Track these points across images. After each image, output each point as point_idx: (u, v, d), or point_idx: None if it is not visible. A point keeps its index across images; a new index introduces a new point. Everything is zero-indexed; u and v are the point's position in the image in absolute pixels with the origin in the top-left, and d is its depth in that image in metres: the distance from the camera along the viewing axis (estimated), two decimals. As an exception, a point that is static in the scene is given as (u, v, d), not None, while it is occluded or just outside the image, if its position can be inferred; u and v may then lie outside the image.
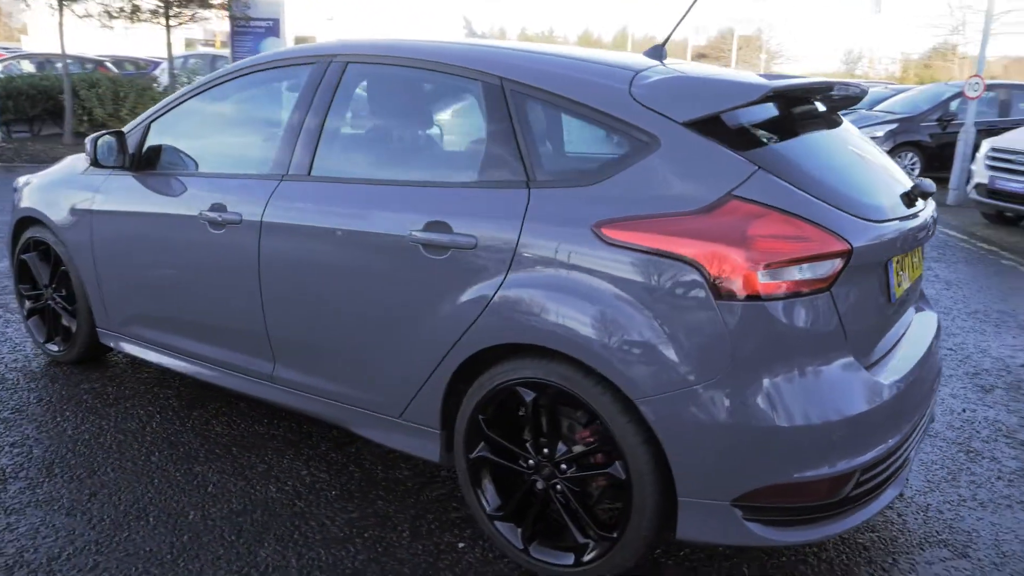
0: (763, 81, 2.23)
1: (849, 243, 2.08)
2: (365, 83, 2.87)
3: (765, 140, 2.26)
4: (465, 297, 2.38)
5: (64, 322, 3.91)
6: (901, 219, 2.34)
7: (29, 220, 3.91)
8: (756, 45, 52.49)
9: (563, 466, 2.32)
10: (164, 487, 2.86)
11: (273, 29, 14.03)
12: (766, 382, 2.05)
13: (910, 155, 11.92)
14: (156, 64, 18.96)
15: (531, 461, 2.38)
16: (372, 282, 2.58)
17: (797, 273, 2.05)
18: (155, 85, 13.86)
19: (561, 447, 2.33)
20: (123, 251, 3.41)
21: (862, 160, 2.52)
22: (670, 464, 2.12)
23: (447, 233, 2.40)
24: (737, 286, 2.03)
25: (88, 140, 3.33)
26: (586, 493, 2.33)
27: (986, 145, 8.87)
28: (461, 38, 3.00)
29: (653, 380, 2.09)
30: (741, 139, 2.21)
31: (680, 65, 2.55)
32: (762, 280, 2.02)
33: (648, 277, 2.11)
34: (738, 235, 2.04)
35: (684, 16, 2.87)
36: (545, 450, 2.35)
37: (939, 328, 2.83)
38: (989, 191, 8.54)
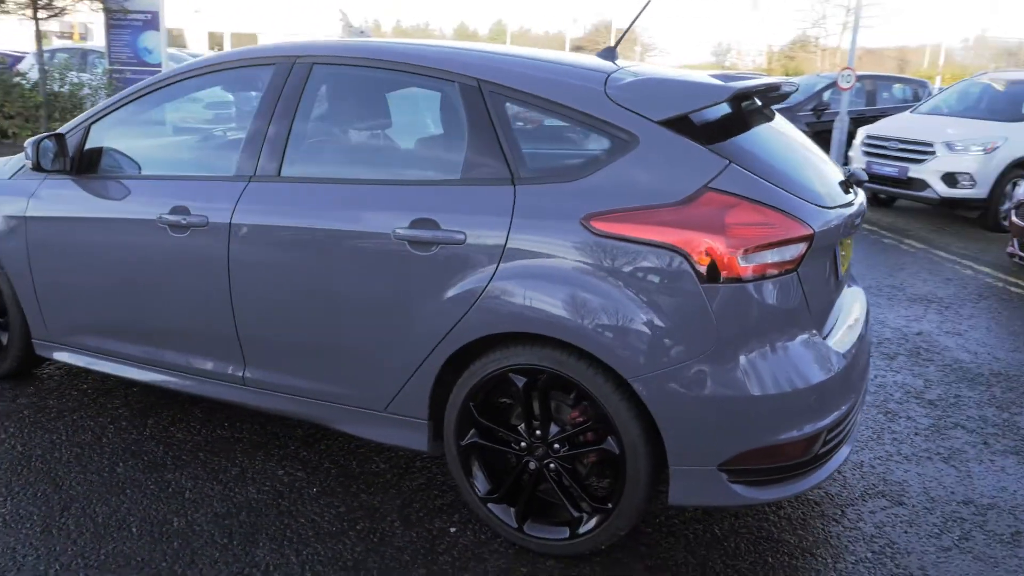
0: (728, 84, 2.43)
1: (812, 228, 2.31)
2: (334, 84, 2.90)
3: (726, 136, 2.47)
4: (455, 290, 2.47)
5: (-9, 336, 3.71)
6: (843, 206, 2.61)
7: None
8: (631, 38, 54.04)
9: (556, 446, 2.46)
10: (139, 496, 2.80)
11: (152, 22, 13.36)
12: (746, 356, 2.27)
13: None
14: (16, 58, 17.67)
15: (523, 443, 2.51)
16: (355, 280, 2.63)
17: (769, 257, 2.26)
18: (23, 81, 12.97)
19: (553, 428, 2.47)
20: (66, 258, 3.28)
21: (804, 151, 2.78)
22: (662, 436, 2.30)
23: (434, 230, 2.49)
24: (719, 270, 2.23)
25: (28, 143, 3.18)
26: (577, 470, 2.48)
27: (862, 133, 9.62)
28: (433, 41, 3.05)
29: (646, 360, 2.26)
30: (708, 135, 2.41)
31: (638, 67, 2.72)
32: (741, 264, 2.23)
33: (637, 265, 2.27)
34: (717, 224, 2.23)
35: (634, 20, 3.06)
36: (537, 432, 2.48)
37: (867, 301, 3.15)
38: (867, 175, 9.26)
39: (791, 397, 2.30)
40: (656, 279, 2.26)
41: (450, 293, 2.48)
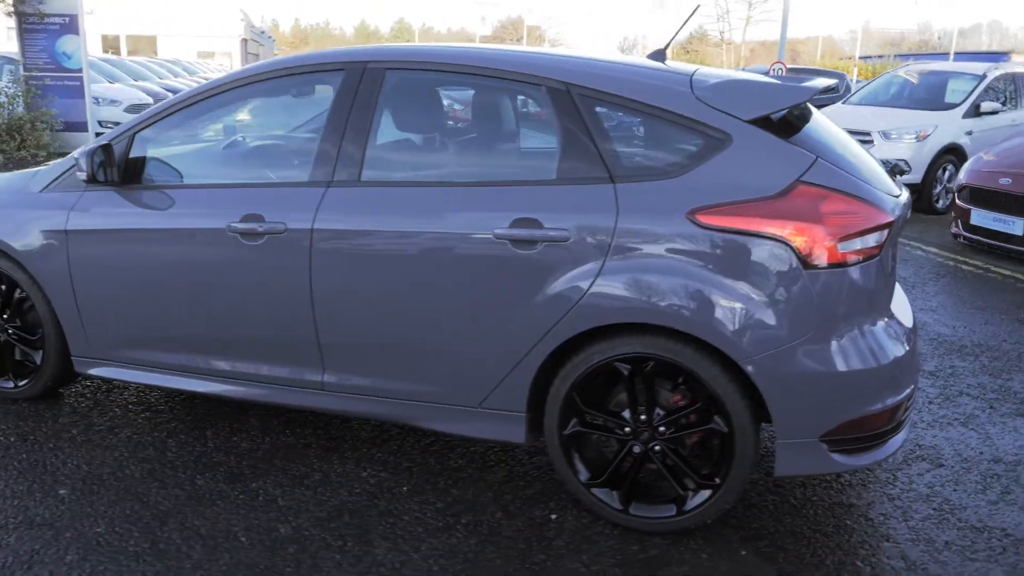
0: (806, 85, 2.63)
1: (892, 216, 2.54)
2: (411, 89, 2.95)
3: (796, 131, 2.66)
4: (560, 286, 2.58)
5: (17, 356, 3.57)
6: (898, 196, 2.85)
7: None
8: (537, 34, 54.89)
9: (661, 428, 2.61)
10: (232, 507, 2.79)
11: (70, 26, 12.73)
12: (843, 335, 2.47)
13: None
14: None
15: (627, 428, 2.65)
16: (452, 280, 2.70)
17: (859, 243, 2.47)
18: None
19: (659, 412, 2.61)
20: (117, 271, 3.20)
21: (853, 144, 3.01)
22: (770, 413, 2.48)
23: (537, 228, 2.59)
24: (820, 257, 2.41)
25: (83, 155, 3.08)
26: (681, 451, 2.63)
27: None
28: (510, 46, 3.13)
29: (756, 344, 2.43)
30: (789, 132, 2.60)
31: (707, 70, 2.89)
32: (839, 251, 2.42)
33: (743, 255, 2.44)
34: (814, 214, 2.42)
35: (686, 21, 3.23)
36: (642, 416, 2.62)
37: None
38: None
39: (880, 371, 2.51)
40: (762, 267, 2.43)
41: (555, 289, 2.59)
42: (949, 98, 9.37)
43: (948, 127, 8.86)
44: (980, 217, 6.74)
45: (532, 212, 2.61)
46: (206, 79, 25.49)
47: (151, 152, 3.23)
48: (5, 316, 3.55)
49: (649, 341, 2.54)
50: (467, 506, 2.83)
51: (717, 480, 2.58)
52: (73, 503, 2.80)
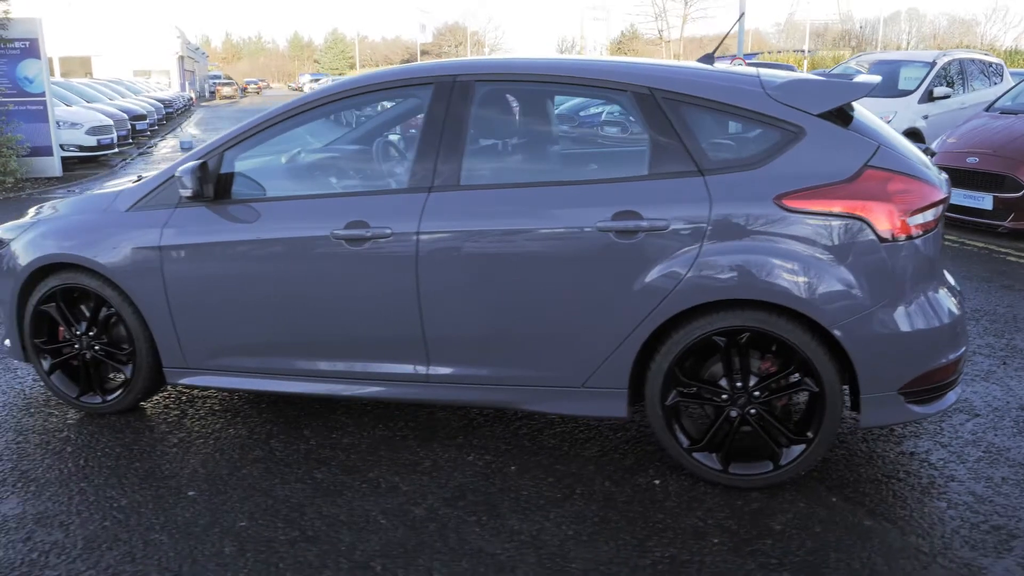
0: (864, 81, 2.96)
1: (945, 193, 2.89)
2: (501, 98, 3.19)
3: (851, 121, 2.99)
4: (661, 270, 2.85)
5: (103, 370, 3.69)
6: (941, 175, 3.20)
7: (49, 268, 3.62)
8: (476, 40, 55.30)
9: (756, 393, 2.90)
10: (359, 495, 2.98)
11: (31, 50, 12.52)
12: (914, 298, 2.80)
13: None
14: None
15: (724, 396, 2.93)
16: (557, 271, 2.95)
17: (921, 218, 2.80)
18: None
19: (753, 378, 2.91)
20: (214, 282, 3.35)
21: (895, 132, 3.36)
22: (856, 371, 2.80)
23: (637, 219, 2.86)
24: (892, 231, 2.74)
25: (186, 173, 3.23)
26: (773, 412, 2.93)
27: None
28: (582, 55, 3.39)
29: (842, 310, 2.74)
30: (847, 123, 2.93)
31: (768, 71, 3.20)
32: (909, 224, 2.76)
33: (827, 233, 2.75)
34: (884, 194, 2.75)
35: (731, 28, 3.54)
36: (738, 383, 2.91)
37: None
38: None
39: (944, 329, 2.85)
40: (844, 243, 2.75)
41: (656, 273, 2.86)
42: (903, 85, 9.97)
43: (906, 113, 9.44)
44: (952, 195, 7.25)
45: (631, 205, 2.88)
46: (157, 99, 25.15)
47: (241, 168, 3.40)
48: (91, 333, 3.66)
49: (746, 315, 2.83)
50: (575, 479, 3.08)
51: (810, 435, 2.89)
52: (206, 502, 2.96)
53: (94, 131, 13.90)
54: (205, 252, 3.35)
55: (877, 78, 3.18)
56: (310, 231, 3.20)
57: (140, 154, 16.46)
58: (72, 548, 2.69)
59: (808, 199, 2.77)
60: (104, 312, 3.61)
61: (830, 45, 71.49)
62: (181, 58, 42.35)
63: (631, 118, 3.03)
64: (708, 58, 3.44)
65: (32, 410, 3.83)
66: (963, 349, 2.95)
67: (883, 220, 2.74)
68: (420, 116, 3.20)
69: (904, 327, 2.78)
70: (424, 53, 53.68)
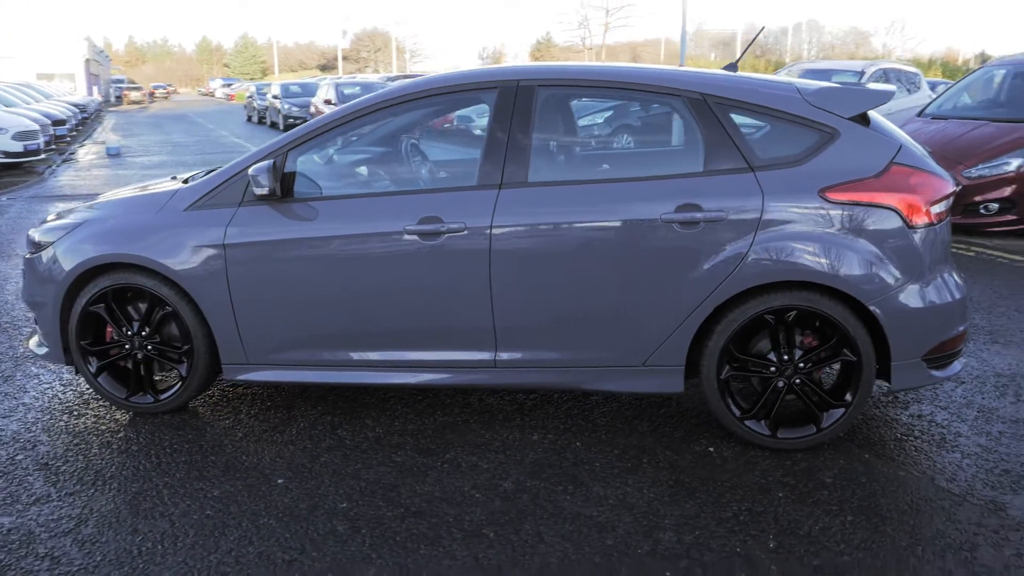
0: (885, 89, 3.36)
1: (954, 186, 3.32)
2: (563, 102, 3.45)
3: (870, 122, 3.40)
4: (720, 256, 3.18)
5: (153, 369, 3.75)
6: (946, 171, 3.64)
7: (97, 270, 3.65)
8: (395, 45, 55.19)
9: (801, 365, 3.26)
10: (444, 474, 3.18)
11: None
12: (935, 278, 3.22)
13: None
14: None
15: (772, 368, 3.28)
16: (621, 259, 3.24)
17: (938, 208, 3.22)
18: None
19: (798, 352, 3.26)
20: (281, 278, 3.48)
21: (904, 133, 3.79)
22: (889, 341, 3.18)
23: (698, 211, 3.17)
24: (918, 219, 3.15)
25: (262, 172, 3.34)
26: (815, 381, 3.29)
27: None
28: (640, 64, 3.67)
29: (878, 288, 3.13)
30: (868, 124, 3.33)
31: (800, 80, 3.57)
32: (932, 213, 3.17)
33: (864, 221, 3.13)
34: (909, 187, 3.16)
35: (753, 40, 3.91)
36: (785, 357, 3.26)
37: None
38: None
39: (956, 305, 3.28)
40: (878, 229, 3.14)
41: (715, 259, 3.18)
42: (832, 93, 10.71)
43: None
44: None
45: (692, 198, 3.19)
46: (71, 103, 24.11)
47: (305, 167, 3.54)
48: (143, 333, 3.71)
49: (794, 295, 3.19)
50: (638, 450, 3.37)
51: (848, 398, 3.26)
52: (299, 488, 3.10)
53: (21, 136, 13.34)
54: (274, 249, 3.47)
55: (893, 87, 3.59)
56: (381, 227, 3.38)
57: (64, 161, 15.84)
58: (184, 536, 2.79)
59: (847, 192, 3.14)
60: (159, 311, 3.67)
61: (734, 54, 74.52)
62: (87, 61, 40.54)
63: (683, 121, 3.35)
64: (732, 67, 3.80)
65: (75, 412, 3.84)
66: (968, 323, 3.39)
67: (910, 209, 3.14)
68: (453, 115, 3.44)
69: (926, 302, 3.19)
70: (345, 58, 53.18)
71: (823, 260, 3.13)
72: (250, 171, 3.39)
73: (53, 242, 3.77)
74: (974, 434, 3.50)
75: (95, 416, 3.79)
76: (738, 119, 3.27)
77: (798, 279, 3.16)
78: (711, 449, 3.38)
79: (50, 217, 4.11)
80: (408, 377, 3.53)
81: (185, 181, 4.18)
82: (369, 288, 3.43)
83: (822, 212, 3.15)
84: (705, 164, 3.26)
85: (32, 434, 3.60)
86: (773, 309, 3.21)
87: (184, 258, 3.55)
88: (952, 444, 3.41)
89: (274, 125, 24.98)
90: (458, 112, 3.86)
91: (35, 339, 4.04)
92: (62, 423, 3.72)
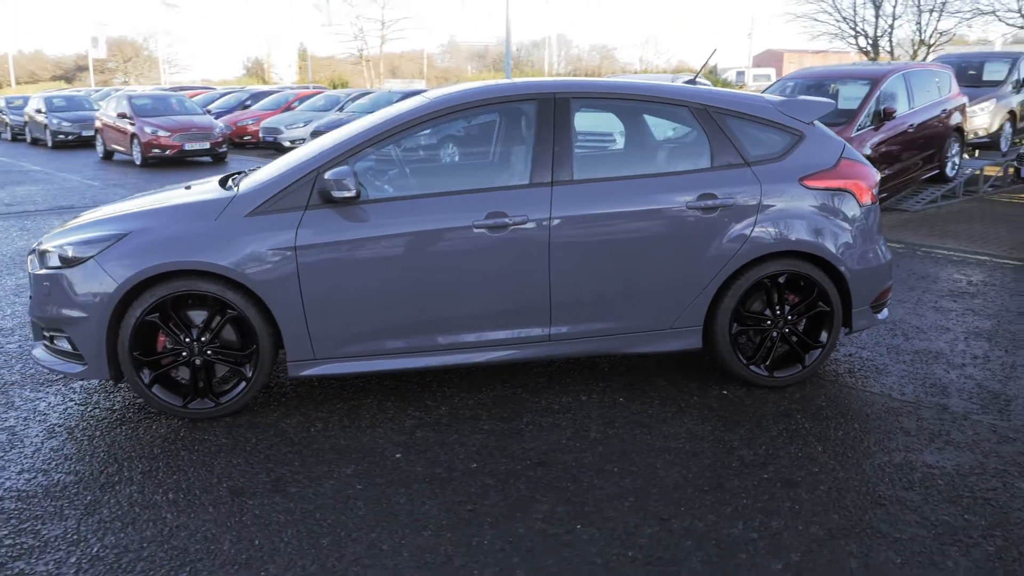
0: (829, 100, 4.35)
1: (879, 175, 4.40)
2: (596, 111, 4.05)
3: (818, 127, 4.38)
4: (732, 234, 3.97)
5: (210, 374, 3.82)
6: None
7: (152, 279, 3.67)
8: (147, 56, 51.46)
9: (789, 318, 4.14)
10: (536, 431, 3.67)
11: None
12: (876, 243, 4.26)
13: (451, 147, 14.94)
14: None
15: (768, 322, 4.13)
16: (657, 240, 3.93)
17: (875, 190, 4.27)
18: None
19: (787, 307, 4.14)
20: (353, 275, 3.75)
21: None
22: (851, 294, 4.16)
23: (715, 199, 3.94)
24: (866, 199, 4.17)
25: (344, 176, 3.58)
26: (798, 329, 4.20)
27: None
28: (648, 81, 4.30)
29: (844, 253, 4.09)
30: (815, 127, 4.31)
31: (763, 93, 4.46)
32: (873, 194, 4.20)
33: (831, 203, 4.09)
34: (856, 175, 4.17)
35: (708, 59, 4.78)
36: (777, 312, 4.13)
37: None
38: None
39: (889, 263, 4.35)
40: (841, 208, 4.11)
41: (728, 237, 3.98)
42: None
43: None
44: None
45: (709, 188, 3.96)
46: None
47: (367, 170, 3.83)
48: (202, 339, 3.77)
49: (785, 262, 4.06)
50: (672, 399, 4.07)
51: (822, 340, 4.20)
52: (420, 459, 3.44)
53: None
54: (350, 248, 3.73)
55: (831, 101, 4.62)
56: (450, 223, 3.79)
57: None
58: (374, 501, 3.04)
59: (818, 180, 4.08)
60: (219, 316, 3.75)
61: (491, 67, 78.00)
62: None
63: (691, 125, 4.10)
64: (692, 80, 4.64)
65: (133, 423, 3.79)
66: (893, 279, 4.50)
67: (862, 192, 4.16)
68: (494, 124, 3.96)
69: (874, 262, 4.22)
70: (99, 72, 48.50)
71: (807, 234, 4.04)
72: (327, 176, 3.64)
73: (94, 255, 3.71)
74: (895, 364, 4.60)
75: (163, 427, 3.77)
76: (733, 124, 4.10)
77: (789, 249, 4.04)
78: (725, 392, 4.17)
79: (57, 233, 3.98)
80: (474, 357, 3.95)
81: (188, 187, 4.27)
82: (439, 278, 3.82)
83: (803, 196, 4.06)
84: (712, 161, 4.05)
85: (153, 459, 3.54)
86: (769, 274, 4.07)
87: (253, 262, 3.69)
88: (886, 371, 4.48)
89: (37, 142, 22.54)
90: (477, 120, 4.33)
91: (53, 358, 3.90)
92: (128, 435, 3.68)
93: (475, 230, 3.79)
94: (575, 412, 3.92)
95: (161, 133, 15.82)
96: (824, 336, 4.21)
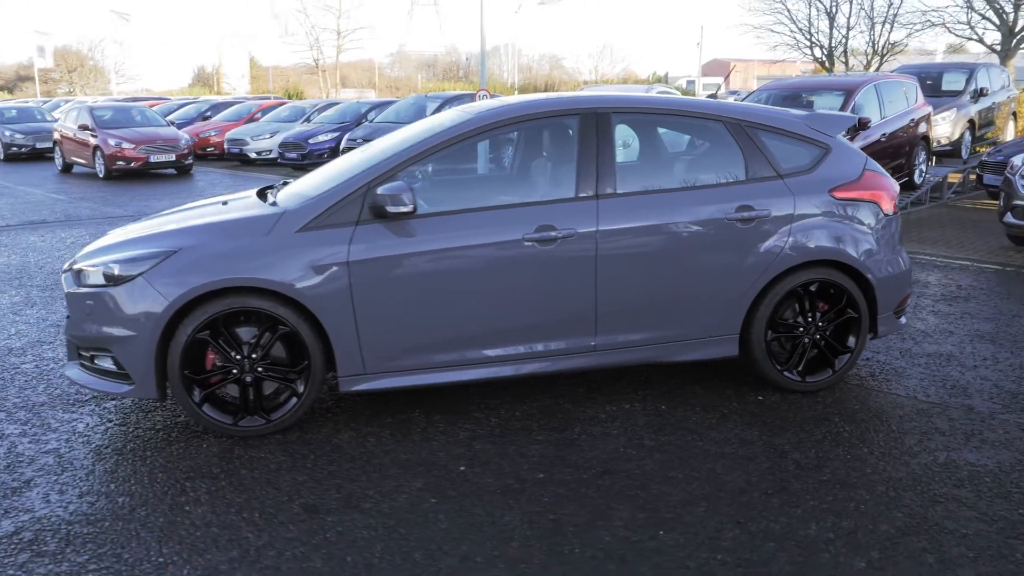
0: (852, 115, 4.53)
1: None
2: (633, 126, 4.14)
3: (840, 140, 4.56)
4: (767, 245, 4.11)
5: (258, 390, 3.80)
6: None
7: (204, 297, 3.63)
8: (92, 66, 50.23)
9: (819, 324, 4.29)
10: (591, 440, 3.74)
11: None
12: (899, 252, 4.44)
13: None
14: None
15: (800, 329, 4.28)
16: (698, 250, 4.05)
17: (896, 201, 4.46)
18: None
19: (818, 314, 4.30)
20: (406, 289, 3.78)
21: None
22: (877, 300, 4.33)
23: (752, 211, 4.07)
24: (889, 209, 4.35)
25: (405, 192, 3.61)
26: (828, 335, 4.35)
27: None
28: (683, 97, 4.40)
29: (872, 261, 4.26)
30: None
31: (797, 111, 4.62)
32: (896, 205, 4.39)
33: (859, 212, 4.25)
34: (880, 187, 4.35)
35: (729, 73, 4.92)
36: (809, 319, 4.28)
37: None
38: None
39: (909, 271, 4.54)
40: (868, 218, 4.28)
41: (765, 247, 4.11)
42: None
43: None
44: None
45: (746, 200, 4.09)
46: None
47: (412, 185, 3.86)
48: (253, 356, 3.74)
49: (817, 271, 4.21)
50: (712, 406, 4.18)
51: (850, 346, 4.36)
52: (485, 470, 3.48)
53: None
54: (399, 262, 3.76)
55: (854, 116, 4.80)
56: (501, 236, 3.84)
57: None
58: (458, 513, 3.07)
59: (845, 191, 4.25)
60: (270, 332, 3.73)
61: (440, 76, 78.02)
62: None
63: (726, 139, 4.22)
64: (712, 96, 4.77)
65: (182, 442, 3.73)
66: (912, 287, 4.69)
67: (885, 203, 4.34)
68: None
69: (898, 269, 4.41)
70: (29, 79, 47.05)
71: (837, 243, 4.20)
72: (380, 191, 3.66)
73: (142, 273, 3.66)
74: (911, 367, 4.80)
75: (216, 447, 3.73)
76: (766, 138, 4.24)
77: (822, 258, 4.20)
78: (760, 397, 4.29)
79: (93, 252, 3.92)
80: (520, 368, 4.00)
81: (225, 203, 4.26)
82: (490, 291, 3.86)
83: (833, 207, 4.22)
84: (747, 173, 4.18)
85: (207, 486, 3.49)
86: (802, 283, 4.21)
87: (306, 277, 3.69)
88: (905, 374, 4.67)
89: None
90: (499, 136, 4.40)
91: (93, 378, 3.84)
92: (194, 455, 3.62)
93: (525, 243, 3.85)
94: (622, 421, 4.00)
95: (125, 145, 15.47)
96: (852, 341, 4.37)
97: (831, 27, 27.52)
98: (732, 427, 3.92)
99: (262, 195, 4.29)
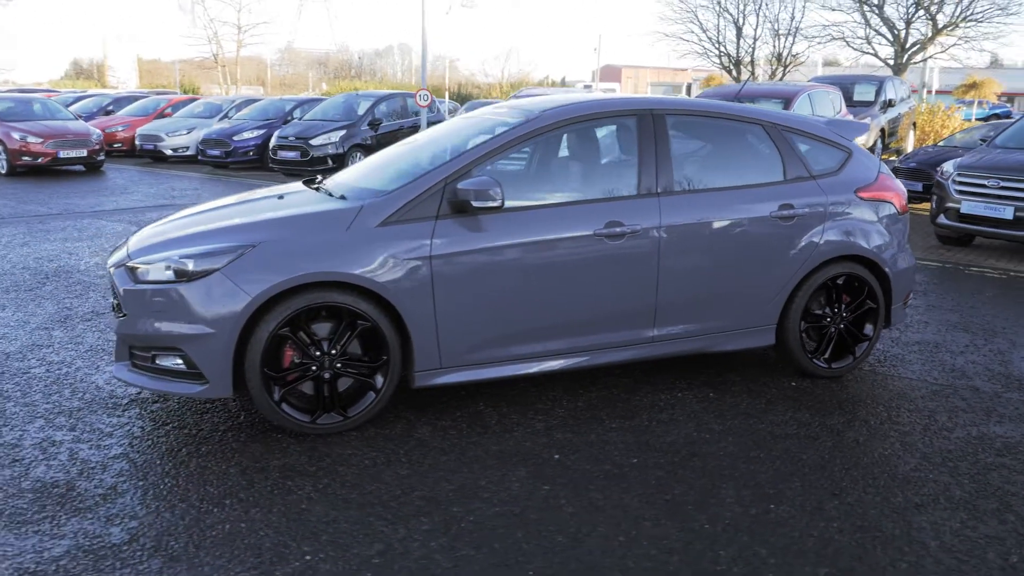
0: (863, 122, 4.91)
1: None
2: (684, 127, 4.36)
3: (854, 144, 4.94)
4: (805, 240, 4.42)
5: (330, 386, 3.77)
6: None
7: (287, 292, 3.57)
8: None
9: (845, 314, 4.64)
10: (656, 427, 3.92)
11: None
12: (907, 248, 4.87)
13: (359, 155, 14.69)
14: None
15: (828, 319, 4.61)
16: (746, 246, 4.31)
17: (906, 202, 4.88)
18: None
19: (842, 306, 4.64)
20: (486, 282, 3.85)
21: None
22: (891, 292, 4.72)
23: (792, 209, 4.37)
24: (902, 208, 4.75)
25: (494, 187, 3.66)
26: (851, 323, 4.70)
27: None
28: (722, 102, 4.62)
29: (890, 256, 4.66)
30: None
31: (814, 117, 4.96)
32: (907, 206, 4.80)
33: (878, 211, 4.64)
34: (895, 188, 4.76)
35: (745, 82, 5.21)
36: (835, 309, 4.62)
37: None
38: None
39: (914, 266, 4.98)
40: (887, 217, 4.67)
41: (803, 242, 4.42)
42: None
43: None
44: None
45: (787, 199, 4.38)
46: None
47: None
48: (333, 352, 3.70)
49: (845, 265, 4.56)
50: (756, 393, 4.44)
51: (867, 334, 4.73)
52: (580, 456, 3.60)
53: None
54: (478, 256, 3.82)
55: (867, 123, 5.18)
56: (574, 231, 3.97)
57: None
58: (578, 492, 3.16)
59: (868, 191, 4.62)
60: (349, 327, 3.71)
61: (332, 75, 76.52)
62: None
63: (765, 142, 4.50)
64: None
65: (259, 440, 3.65)
66: (916, 280, 5.14)
67: (899, 203, 4.74)
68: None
69: (907, 264, 4.83)
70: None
71: (863, 239, 4.57)
72: (464, 186, 3.72)
73: (219, 268, 3.56)
74: (909, 354, 5.24)
75: (295, 447, 3.66)
76: (797, 141, 4.55)
77: (850, 253, 4.55)
78: (794, 383, 4.60)
79: (145, 248, 3.78)
80: (588, 360, 4.14)
81: (281, 197, 4.22)
82: (563, 284, 3.98)
83: (859, 206, 4.58)
84: (784, 174, 4.48)
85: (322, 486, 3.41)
86: (832, 276, 4.55)
87: (388, 272, 3.69)
88: (907, 361, 5.10)
89: None
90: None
91: (152, 378, 3.70)
92: (272, 459, 3.54)
93: (595, 238, 3.99)
94: (681, 408, 4.20)
95: (31, 139, 14.46)
96: (869, 330, 4.75)
97: (738, 37, 28.95)
98: (784, 411, 4.19)
99: (314, 188, 4.24)
